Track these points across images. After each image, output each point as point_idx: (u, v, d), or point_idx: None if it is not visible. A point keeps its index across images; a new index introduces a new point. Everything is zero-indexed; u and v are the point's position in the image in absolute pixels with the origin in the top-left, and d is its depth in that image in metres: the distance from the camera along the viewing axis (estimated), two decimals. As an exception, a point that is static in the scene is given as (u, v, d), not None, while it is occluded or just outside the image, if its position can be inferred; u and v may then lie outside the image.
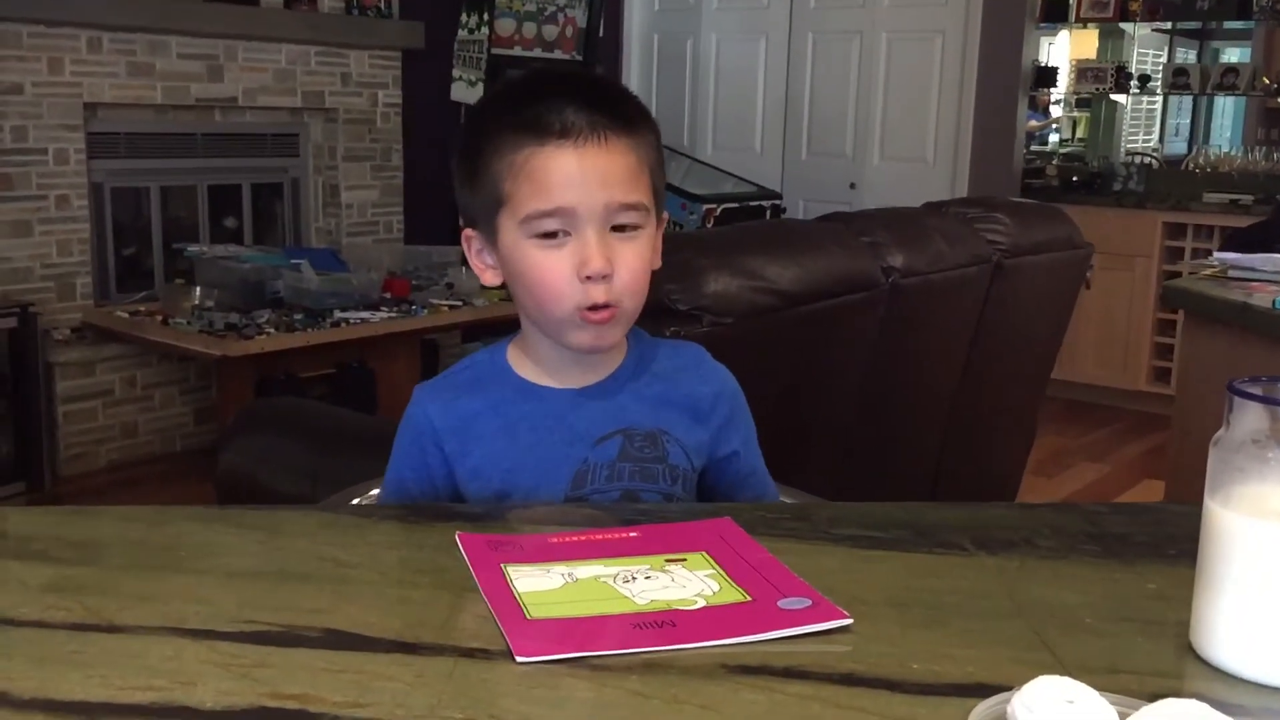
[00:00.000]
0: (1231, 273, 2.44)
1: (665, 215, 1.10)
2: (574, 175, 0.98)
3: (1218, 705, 0.60)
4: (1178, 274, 4.58)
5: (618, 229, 1.00)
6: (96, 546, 0.86)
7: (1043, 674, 0.62)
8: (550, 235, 1.00)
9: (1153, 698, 0.63)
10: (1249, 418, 0.67)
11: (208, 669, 0.67)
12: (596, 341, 1.03)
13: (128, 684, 0.65)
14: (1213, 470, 0.69)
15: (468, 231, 1.09)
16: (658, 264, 1.08)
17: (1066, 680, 0.61)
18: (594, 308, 1.00)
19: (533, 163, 1.00)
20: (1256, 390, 0.67)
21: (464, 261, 4.47)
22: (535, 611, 0.75)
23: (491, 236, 1.05)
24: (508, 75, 4.80)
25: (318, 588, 0.79)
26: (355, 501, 1.15)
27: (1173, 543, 0.90)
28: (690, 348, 1.15)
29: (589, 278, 0.99)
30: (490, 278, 1.07)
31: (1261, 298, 2.21)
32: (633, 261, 1.01)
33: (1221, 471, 0.69)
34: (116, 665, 0.67)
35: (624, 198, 1.00)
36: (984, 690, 0.64)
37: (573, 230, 0.99)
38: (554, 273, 1.00)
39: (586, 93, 1.02)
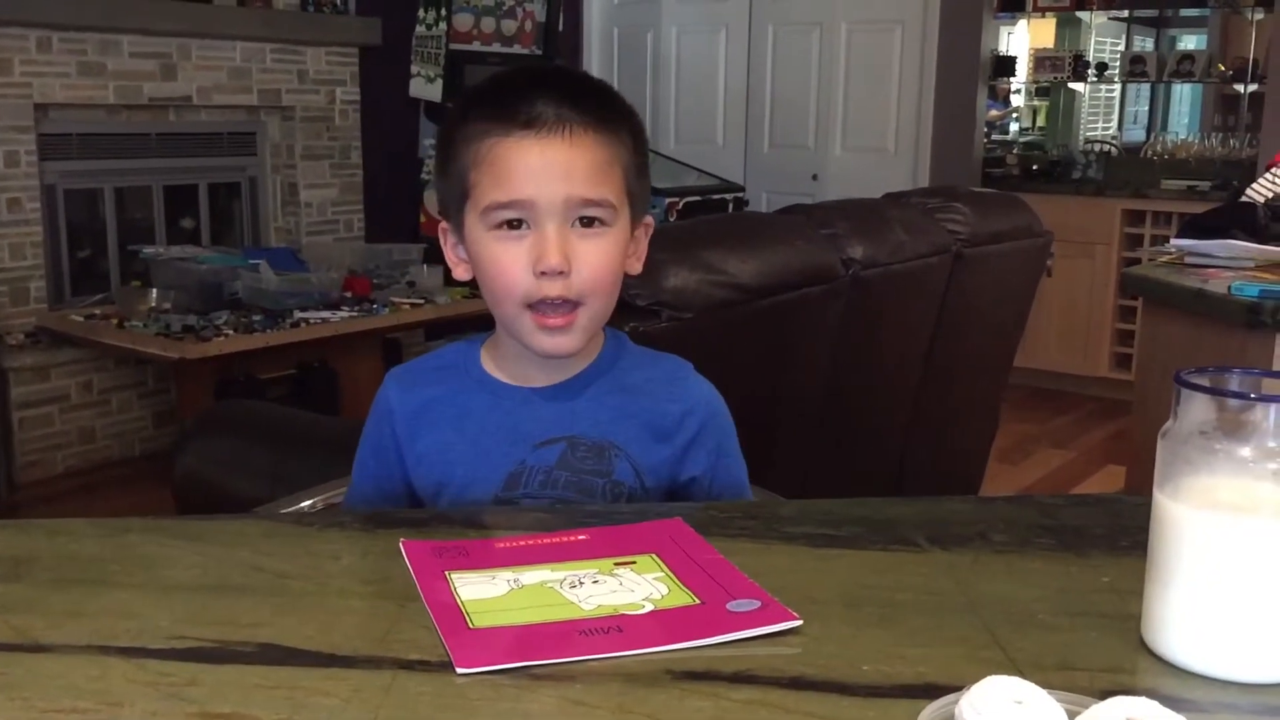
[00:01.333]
0: (1188, 259, 2.45)
1: (649, 220, 1.08)
2: (534, 167, 0.96)
3: (1168, 701, 0.59)
4: (1137, 261, 4.61)
5: (584, 225, 0.98)
6: (24, 562, 0.83)
7: (994, 673, 0.61)
8: (511, 227, 0.98)
9: (1104, 695, 0.62)
10: (1196, 409, 0.66)
11: (136, 689, 0.64)
12: (556, 346, 1.00)
13: (51, 706, 0.63)
14: (1161, 462, 0.69)
15: (441, 224, 1.06)
16: (637, 269, 1.05)
17: (1015, 680, 0.60)
18: (546, 308, 0.98)
19: (494, 153, 0.98)
20: (1203, 381, 0.66)
21: (425, 259, 4.43)
22: (479, 620, 0.73)
23: (460, 229, 1.03)
24: (467, 71, 4.79)
25: (255, 600, 0.77)
26: (296, 507, 1.12)
27: (1127, 534, 0.89)
28: (671, 361, 1.11)
29: (544, 273, 0.96)
30: (462, 272, 1.05)
31: (1217, 284, 2.21)
32: (595, 259, 0.98)
33: (1170, 463, 0.68)
34: (40, 687, 0.65)
35: (586, 193, 0.97)
36: (934, 691, 0.63)
37: (532, 224, 0.97)
38: (509, 265, 0.98)
39: (561, 87, 1.00)
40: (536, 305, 0.98)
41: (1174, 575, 0.68)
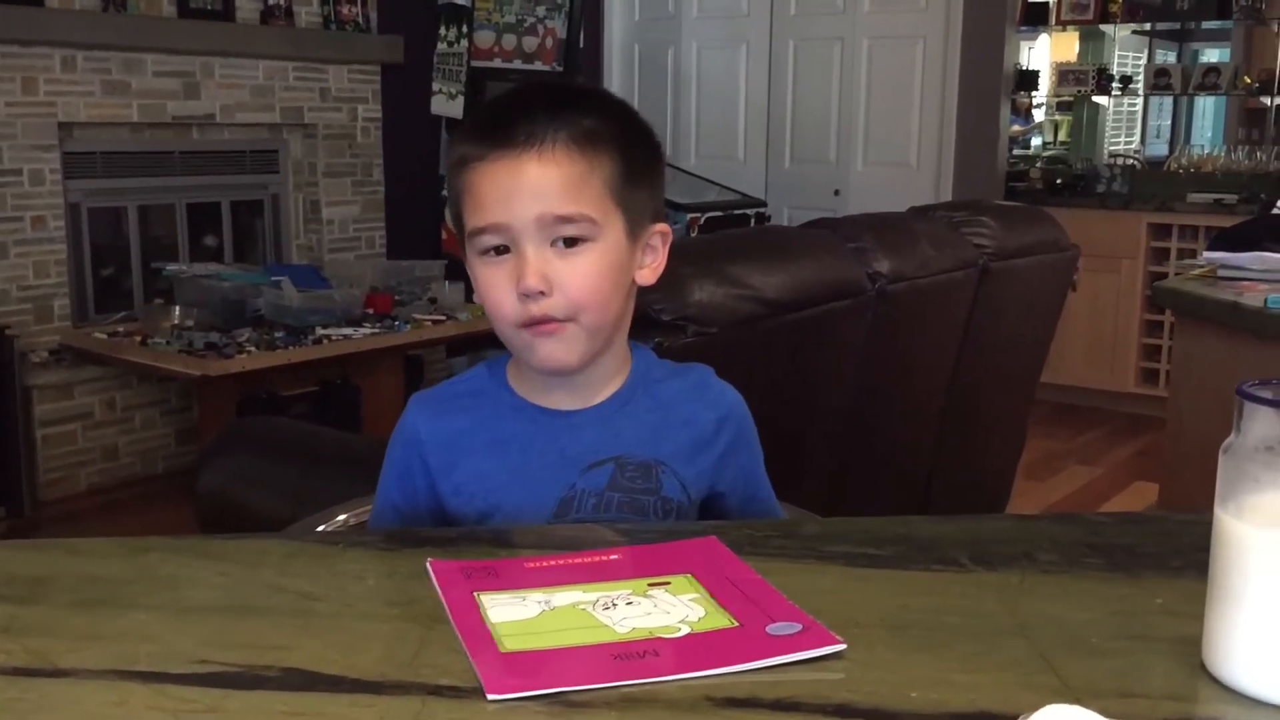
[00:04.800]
0: (1221, 272, 2.42)
1: (663, 227, 1.05)
2: (504, 189, 0.95)
3: (1236, 730, 0.56)
4: (1163, 275, 4.56)
5: (567, 244, 0.96)
6: (43, 583, 0.81)
7: (1050, 700, 0.58)
8: (497, 252, 0.97)
9: (1167, 723, 0.59)
10: (1261, 423, 0.63)
11: (156, 716, 0.62)
12: (549, 357, 0.98)
13: (69, 734, 0.61)
14: (1223, 479, 0.65)
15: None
16: (649, 280, 1.04)
17: (1076, 709, 0.57)
18: (535, 322, 0.97)
19: (472, 178, 0.97)
20: (1268, 394, 0.63)
21: (447, 276, 4.43)
22: (509, 643, 0.70)
23: (466, 253, 1.02)
24: (489, 88, 4.79)
25: (279, 623, 0.75)
26: (322, 528, 1.10)
27: (1178, 554, 0.86)
28: (696, 370, 1.10)
29: (525, 295, 0.96)
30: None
31: (1252, 297, 2.18)
32: (578, 278, 0.96)
33: (1233, 480, 0.65)
34: (57, 713, 0.63)
35: (559, 209, 0.95)
36: (988, 719, 0.60)
37: (512, 246, 0.96)
38: (496, 289, 0.97)
39: (538, 102, 0.98)
40: (524, 325, 0.97)
41: (1238, 597, 0.64)
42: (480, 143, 0.97)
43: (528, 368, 1.02)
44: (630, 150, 1.00)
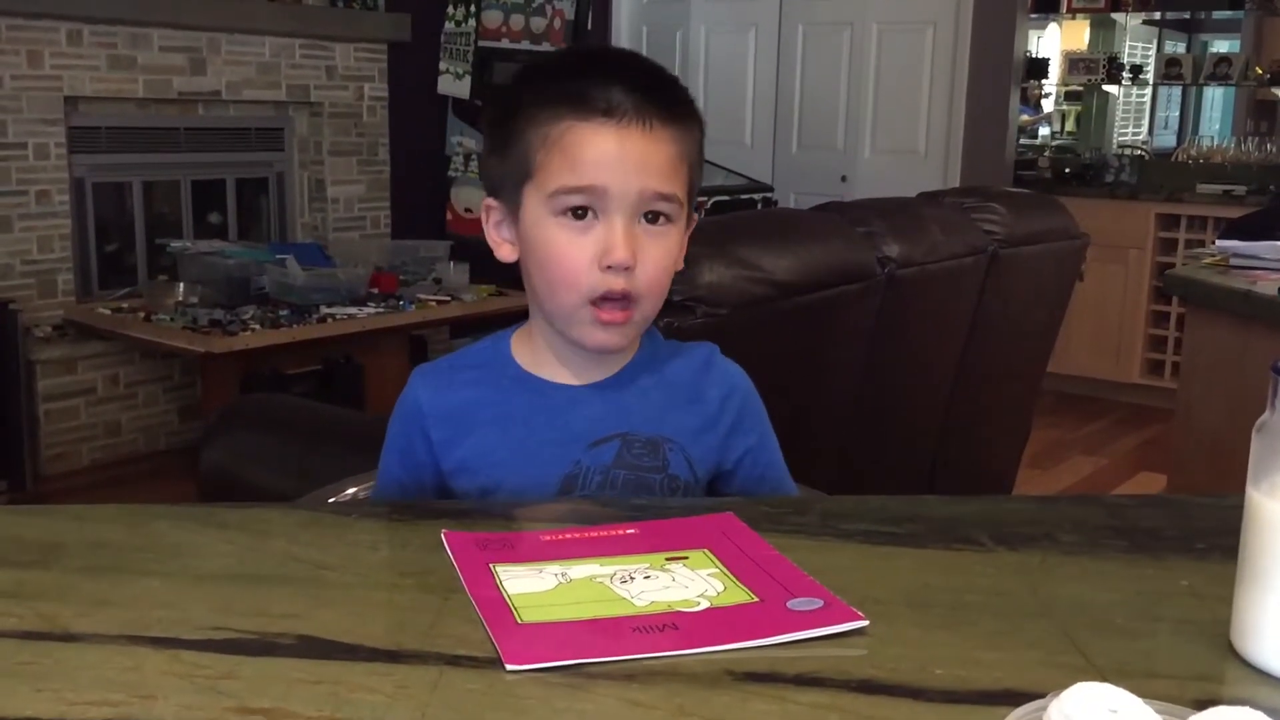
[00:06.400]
0: (1234, 261, 2.40)
1: (695, 217, 1.05)
2: (611, 155, 0.93)
3: (1267, 712, 0.55)
4: (1171, 265, 4.53)
5: (649, 220, 0.95)
6: (55, 548, 0.80)
7: (1077, 679, 0.57)
8: (577, 215, 0.95)
9: (1196, 704, 0.58)
10: (1297, 401, 0.62)
11: (170, 681, 0.61)
12: (608, 341, 0.97)
13: (82, 698, 0.60)
14: (1257, 457, 0.64)
15: (489, 201, 1.03)
16: (680, 265, 1.03)
17: (1106, 686, 0.56)
18: (609, 303, 0.95)
19: (569, 136, 0.94)
20: (1305, 371, 0.62)
21: (452, 256, 4.40)
22: (527, 615, 0.69)
23: (514, 209, 0.99)
24: (496, 68, 4.77)
25: (293, 591, 0.74)
26: (332, 500, 1.09)
27: (1201, 536, 0.85)
28: (701, 348, 1.09)
29: (609, 266, 0.94)
30: (506, 253, 1.02)
31: (1266, 286, 2.17)
32: (658, 257, 0.96)
33: (1267, 457, 0.64)
34: (70, 677, 0.62)
35: (660, 186, 0.94)
36: (1014, 697, 0.59)
37: (601, 213, 0.94)
38: (574, 256, 0.95)
39: (637, 76, 0.97)
40: (598, 300, 0.95)
41: (1270, 577, 0.63)
42: (580, 103, 0.94)
43: (560, 342, 1.00)
44: (702, 140, 1.01)
